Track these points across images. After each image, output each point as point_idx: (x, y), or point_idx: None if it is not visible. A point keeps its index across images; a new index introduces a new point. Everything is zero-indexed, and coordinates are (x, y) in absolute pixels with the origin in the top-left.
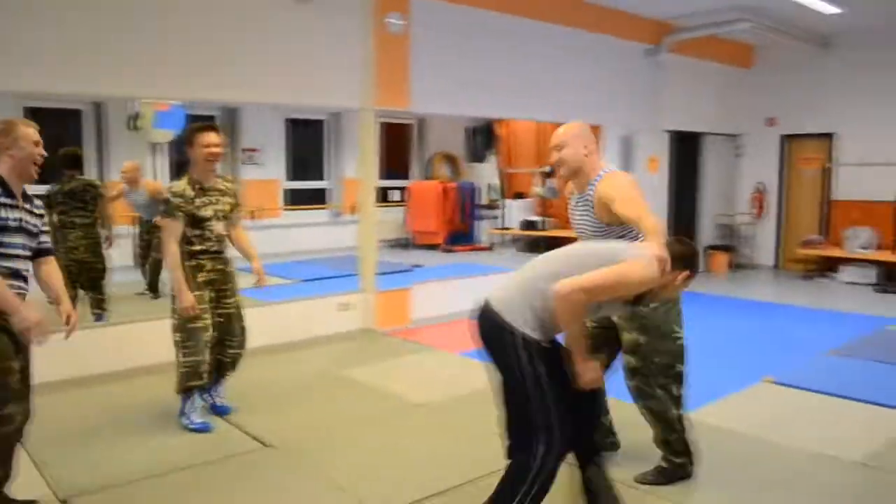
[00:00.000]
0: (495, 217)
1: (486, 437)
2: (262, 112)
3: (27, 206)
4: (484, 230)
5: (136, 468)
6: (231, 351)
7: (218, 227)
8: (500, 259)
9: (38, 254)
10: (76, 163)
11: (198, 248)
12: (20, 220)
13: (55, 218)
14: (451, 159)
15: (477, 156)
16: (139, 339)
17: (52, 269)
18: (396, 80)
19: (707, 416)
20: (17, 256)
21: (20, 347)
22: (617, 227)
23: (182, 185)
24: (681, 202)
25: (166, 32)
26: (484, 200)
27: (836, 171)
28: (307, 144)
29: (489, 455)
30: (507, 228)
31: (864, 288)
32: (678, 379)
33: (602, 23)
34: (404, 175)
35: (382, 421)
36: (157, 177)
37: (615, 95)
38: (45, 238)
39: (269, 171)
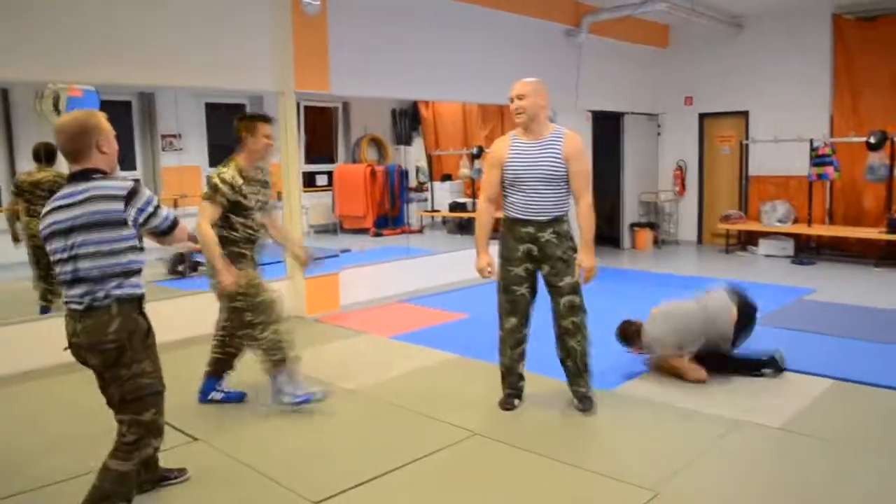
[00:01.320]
0: (424, 200)
1: (417, 421)
2: (179, 97)
3: None
4: (413, 213)
5: (63, 467)
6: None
7: (259, 216)
8: (430, 241)
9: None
10: (49, 156)
11: (241, 235)
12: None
13: (21, 206)
14: (377, 142)
15: (403, 138)
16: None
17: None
18: (315, 62)
19: (631, 389)
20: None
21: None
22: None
23: (231, 172)
24: (604, 181)
25: (75, 13)
26: (412, 183)
27: (752, 148)
28: (228, 130)
29: (421, 438)
30: (436, 211)
31: (781, 260)
32: None
33: (523, 4)
34: (330, 159)
35: (312, 408)
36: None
37: (538, 75)
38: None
39: (190, 157)
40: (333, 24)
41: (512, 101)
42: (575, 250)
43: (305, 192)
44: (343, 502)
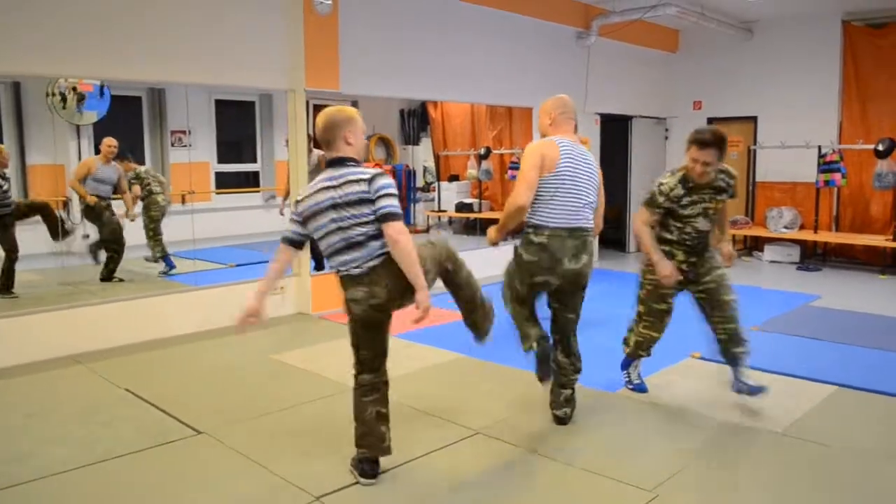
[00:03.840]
0: (431, 199)
1: (420, 419)
2: (189, 93)
3: None
4: (420, 213)
5: (70, 459)
6: (724, 326)
7: (702, 223)
8: None
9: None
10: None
11: (673, 237)
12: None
13: None
14: (385, 142)
15: (411, 138)
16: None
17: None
18: (325, 61)
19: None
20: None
21: None
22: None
23: (672, 182)
24: (611, 184)
25: (89, 9)
26: (420, 183)
27: (760, 154)
28: (238, 126)
29: (424, 436)
30: (442, 211)
31: (787, 266)
32: None
33: (533, 6)
34: None
35: (317, 405)
36: (82, 158)
37: (546, 78)
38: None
39: (198, 153)
40: (345, 23)
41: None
42: None
43: None
44: (345, 497)
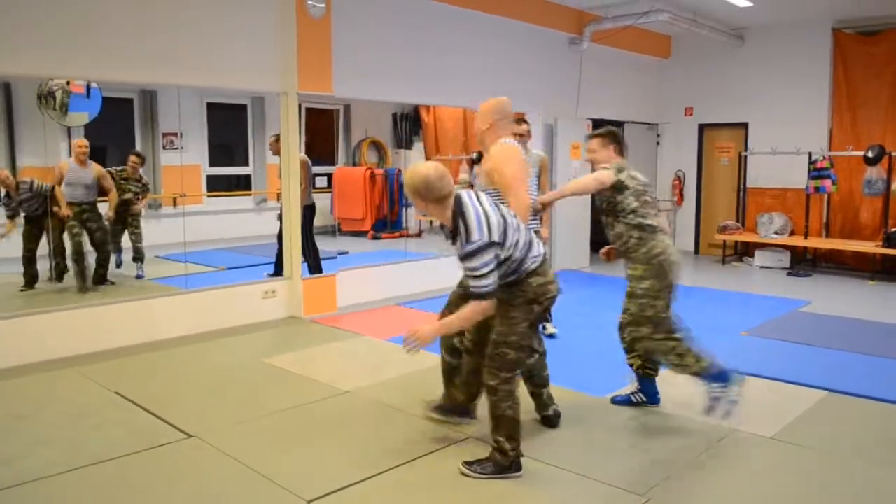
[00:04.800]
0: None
1: (412, 423)
2: (181, 96)
3: None
4: (412, 217)
5: (58, 462)
6: None
7: None
8: (428, 245)
9: None
10: None
11: None
12: None
13: None
14: (377, 145)
15: (404, 142)
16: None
17: None
18: (318, 64)
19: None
20: None
21: None
22: (495, 190)
23: None
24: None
25: (79, 9)
26: None
27: (751, 160)
28: (230, 129)
29: (416, 440)
30: None
31: (777, 272)
32: None
33: (527, 11)
34: (330, 161)
35: (308, 409)
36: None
37: (539, 83)
38: None
39: (190, 156)
40: (337, 26)
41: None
42: None
43: None
44: (335, 501)
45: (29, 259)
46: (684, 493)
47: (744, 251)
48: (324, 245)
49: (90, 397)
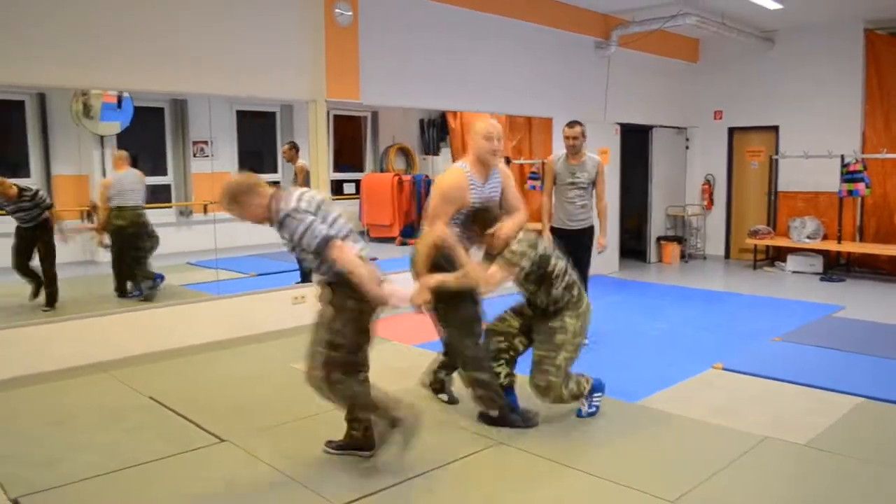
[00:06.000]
0: None
1: (439, 428)
2: (210, 103)
3: None
4: None
5: (94, 465)
6: None
7: None
8: None
9: None
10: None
11: None
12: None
13: None
14: (405, 152)
15: (431, 148)
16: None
17: None
18: (346, 71)
19: (658, 402)
20: None
21: None
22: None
23: None
24: (631, 194)
25: (112, 22)
26: None
27: (782, 163)
28: (258, 136)
29: (442, 446)
30: None
31: (810, 277)
32: None
33: (553, 16)
34: (358, 168)
35: (339, 414)
36: (107, 170)
37: (566, 88)
38: None
39: (220, 163)
40: (365, 33)
41: (493, 142)
42: None
43: (333, 199)
44: None
45: (21, 272)
46: (715, 499)
47: (775, 256)
48: None
49: (124, 402)
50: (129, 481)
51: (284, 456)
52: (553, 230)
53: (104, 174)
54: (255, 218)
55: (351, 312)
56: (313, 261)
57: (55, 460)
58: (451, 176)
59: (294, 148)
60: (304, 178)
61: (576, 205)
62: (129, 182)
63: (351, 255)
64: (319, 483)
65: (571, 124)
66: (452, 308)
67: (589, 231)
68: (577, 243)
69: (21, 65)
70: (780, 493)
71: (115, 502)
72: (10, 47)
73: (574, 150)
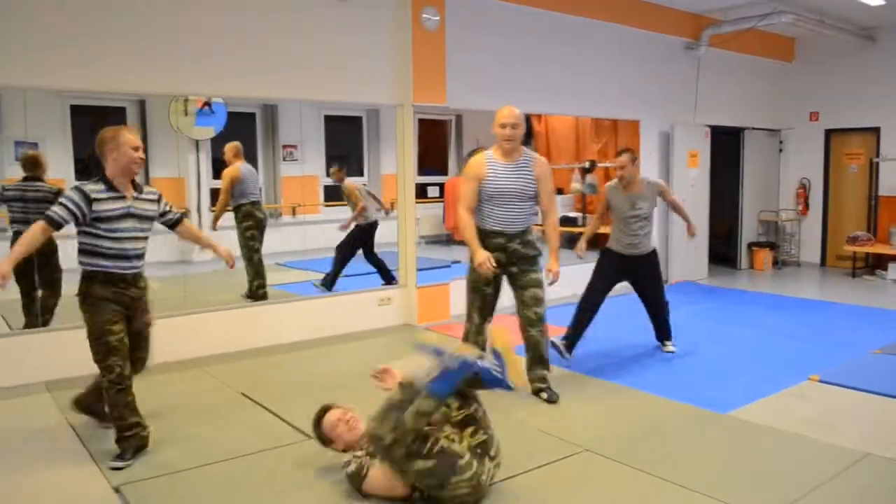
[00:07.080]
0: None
1: (525, 433)
2: (299, 108)
3: (137, 195)
4: None
5: (188, 458)
6: None
7: None
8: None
9: (172, 225)
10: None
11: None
12: (128, 207)
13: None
14: None
15: None
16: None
17: (185, 227)
18: (433, 76)
19: (752, 414)
20: (129, 238)
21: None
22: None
23: None
24: (722, 198)
25: (207, 31)
26: None
27: (883, 167)
28: (345, 141)
29: (530, 451)
30: None
31: None
32: None
33: (641, 17)
34: (442, 171)
35: None
36: (201, 173)
37: (654, 90)
38: (171, 213)
39: (307, 167)
40: (451, 38)
41: (504, 126)
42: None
43: (417, 203)
44: None
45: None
46: None
47: (875, 264)
48: (437, 254)
49: (216, 397)
50: (222, 474)
51: None
52: (609, 252)
53: (199, 177)
54: None
55: None
56: None
57: (152, 451)
58: (474, 158)
59: (342, 169)
60: (357, 195)
61: (639, 235)
62: (252, 174)
63: None
64: None
65: (619, 152)
66: None
67: (652, 255)
68: (638, 271)
69: (125, 74)
70: None
71: (209, 494)
72: (121, 58)
73: (626, 182)
